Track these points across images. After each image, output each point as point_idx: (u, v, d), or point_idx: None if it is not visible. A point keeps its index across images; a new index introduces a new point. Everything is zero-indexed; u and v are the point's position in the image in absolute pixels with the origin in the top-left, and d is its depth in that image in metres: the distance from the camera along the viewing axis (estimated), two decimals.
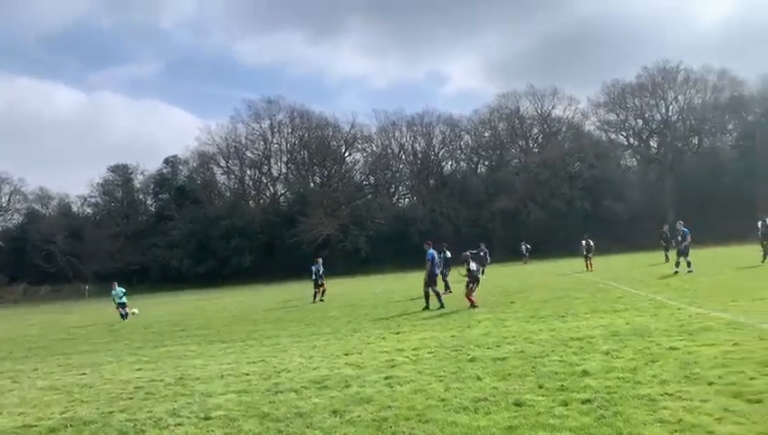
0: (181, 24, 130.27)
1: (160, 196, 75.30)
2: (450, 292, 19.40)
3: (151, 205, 77.59)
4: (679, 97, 66.68)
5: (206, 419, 6.30)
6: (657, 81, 66.36)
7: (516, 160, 70.41)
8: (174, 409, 6.86)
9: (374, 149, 72.75)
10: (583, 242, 28.63)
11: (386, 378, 7.52)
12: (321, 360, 9.39)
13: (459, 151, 72.77)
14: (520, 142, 72.53)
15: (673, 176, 62.27)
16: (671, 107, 67.21)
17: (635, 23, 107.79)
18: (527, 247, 45.12)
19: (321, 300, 23.02)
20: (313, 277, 23.85)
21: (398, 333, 11.72)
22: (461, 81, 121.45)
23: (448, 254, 22.73)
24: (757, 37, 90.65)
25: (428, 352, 9.15)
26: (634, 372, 6.64)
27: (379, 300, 21.10)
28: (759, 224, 23.60)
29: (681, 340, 8.29)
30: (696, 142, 67.71)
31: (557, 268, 32.77)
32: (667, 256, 27.89)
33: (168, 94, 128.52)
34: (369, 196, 71.42)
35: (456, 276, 19.85)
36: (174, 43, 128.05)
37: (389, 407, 6.12)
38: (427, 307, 15.79)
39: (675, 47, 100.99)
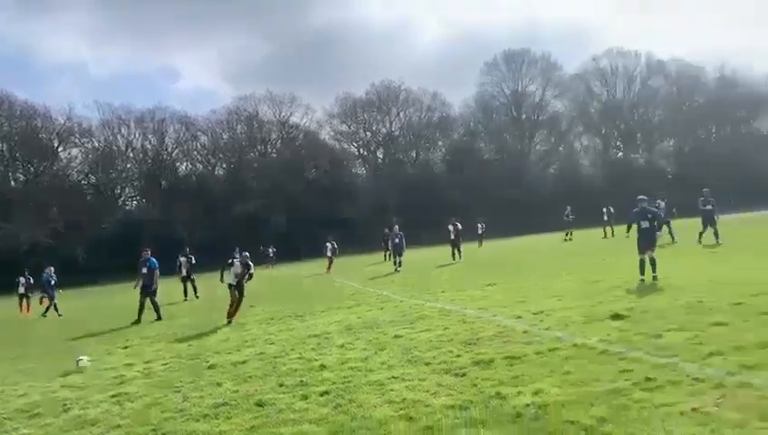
0: None
1: None
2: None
3: None
4: (401, 114, 74.46)
5: None
6: (383, 97, 73.11)
7: (256, 164, 70.54)
8: None
9: (96, 145, 65.57)
10: (328, 244, 30.25)
11: (113, 396, 6.91)
12: (31, 385, 8.17)
13: (195, 152, 69.94)
14: (259, 146, 72.78)
15: (395, 184, 69.04)
16: (394, 122, 74.70)
17: (365, 39, 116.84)
18: (273, 252, 45.47)
19: (44, 315, 20.23)
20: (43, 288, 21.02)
21: (126, 348, 10.83)
22: (196, 78, 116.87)
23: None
24: (461, 65, 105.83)
25: (163, 364, 8.65)
26: (366, 362, 7.23)
27: (104, 314, 19.15)
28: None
29: (404, 328, 9.28)
30: (414, 155, 76.19)
31: (300, 271, 33.76)
32: (386, 256, 31.09)
33: None
34: (90, 197, 64.19)
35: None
36: None
37: (119, 426, 5.65)
38: (137, 320, 14.71)
39: (399, 66, 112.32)
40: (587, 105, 77.62)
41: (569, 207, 34.96)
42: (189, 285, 21.48)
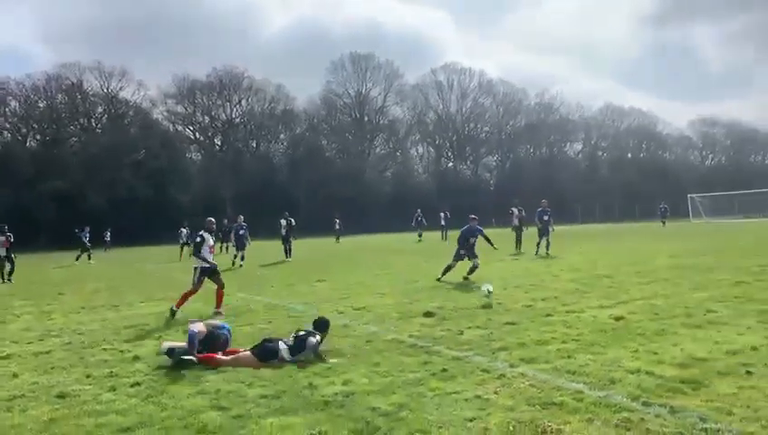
0: None
1: None
2: None
3: None
4: (243, 102, 72.49)
5: None
6: (225, 83, 70.57)
7: (76, 139, 64.21)
8: None
9: None
10: (183, 230, 28.66)
11: None
12: None
13: (3, 118, 61.84)
14: (81, 120, 66.28)
15: (233, 173, 67.08)
16: (235, 110, 72.55)
17: (208, 20, 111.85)
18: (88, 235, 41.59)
19: None
20: None
21: None
22: (5, 35, 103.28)
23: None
24: (304, 59, 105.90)
25: None
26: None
27: None
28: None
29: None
30: (255, 146, 74.65)
31: (120, 257, 31.45)
32: (222, 248, 30.08)
33: None
34: None
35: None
36: None
37: None
38: None
39: (243, 54, 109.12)
40: (424, 115, 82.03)
41: (419, 210, 37.16)
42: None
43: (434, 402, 4.92)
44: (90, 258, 28.72)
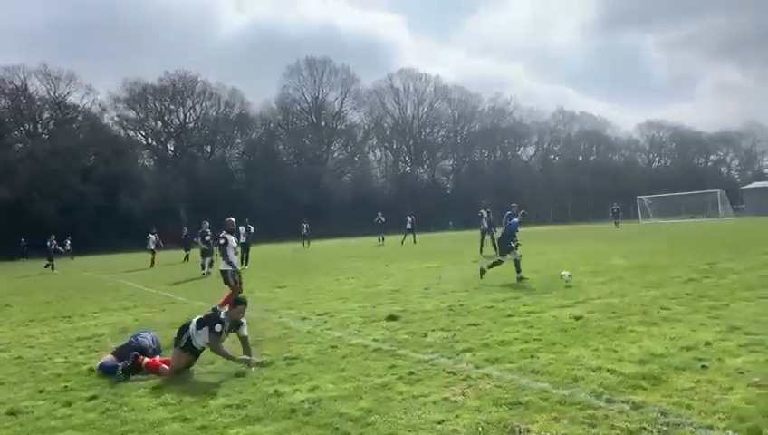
0: None
1: None
2: None
3: None
4: (196, 106, 71.35)
5: None
6: (178, 87, 69.33)
7: (21, 145, 61.83)
8: None
9: None
10: (151, 236, 27.91)
11: None
12: None
13: None
14: (26, 125, 63.94)
15: (187, 178, 65.81)
16: (189, 114, 71.28)
17: (160, 23, 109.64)
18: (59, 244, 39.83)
19: None
20: None
21: None
22: None
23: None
24: (259, 63, 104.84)
25: None
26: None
27: None
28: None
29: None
30: (209, 150, 73.47)
31: (63, 266, 30.38)
32: (187, 257, 29.42)
33: None
34: None
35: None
36: None
37: None
38: None
39: (196, 58, 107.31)
40: (381, 119, 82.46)
41: (379, 213, 37.11)
42: None
43: (402, 406, 4.90)
44: (53, 268, 27.69)
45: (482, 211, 23.29)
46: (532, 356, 6.24)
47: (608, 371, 5.52)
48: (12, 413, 5.29)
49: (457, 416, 4.59)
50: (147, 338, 7.21)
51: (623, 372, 5.44)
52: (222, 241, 10.82)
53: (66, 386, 6.15)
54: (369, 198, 66.76)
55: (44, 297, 15.44)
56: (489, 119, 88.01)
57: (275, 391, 5.53)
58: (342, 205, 67.48)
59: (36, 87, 63.01)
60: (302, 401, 5.17)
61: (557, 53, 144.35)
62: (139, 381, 6.21)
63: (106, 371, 6.52)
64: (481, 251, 22.34)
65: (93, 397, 5.67)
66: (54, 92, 64.20)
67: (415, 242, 34.47)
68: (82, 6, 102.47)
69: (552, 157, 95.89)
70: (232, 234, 11.01)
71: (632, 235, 31.74)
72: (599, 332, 7.24)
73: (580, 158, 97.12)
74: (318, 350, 7.23)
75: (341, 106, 79.06)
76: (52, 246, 28.41)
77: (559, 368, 5.72)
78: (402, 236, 35.81)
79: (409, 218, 36.13)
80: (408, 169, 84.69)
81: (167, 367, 6.45)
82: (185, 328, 6.64)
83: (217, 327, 6.51)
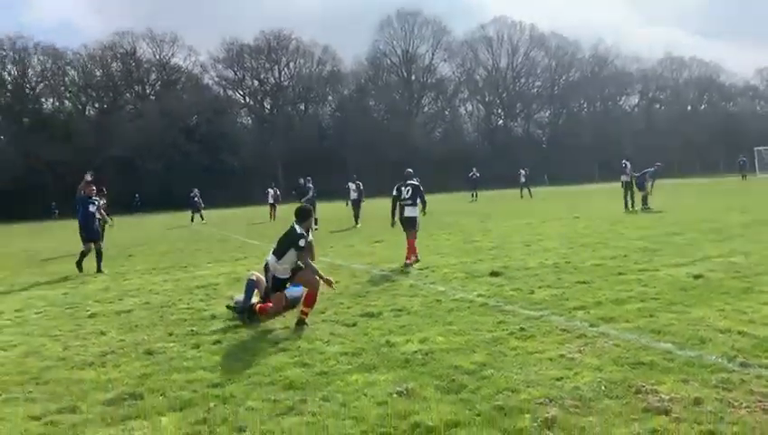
0: None
1: None
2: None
3: None
4: (291, 64, 72.58)
5: None
6: (273, 46, 70.66)
7: (131, 106, 65.93)
8: None
9: None
10: (270, 191, 29.03)
11: None
12: None
13: (63, 88, 63.90)
14: (136, 87, 67.96)
15: (282, 136, 67.71)
16: (283, 72, 72.70)
17: None
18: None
19: None
20: None
21: None
22: (55, 8, 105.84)
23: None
24: (351, 20, 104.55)
25: (36, 313, 8.14)
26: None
27: None
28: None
29: None
30: (303, 108, 74.94)
31: (175, 221, 32.40)
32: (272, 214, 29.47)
33: None
34: None
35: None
36: None
37: None
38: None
39: (287, 15, 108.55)
40: (473, 71, 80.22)
41: (474, 168, 36.42)
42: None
43: (516, 362, 4.85)
44: (202, 218, 29.28)
45: (625, 162, 21.24)
46: (650, 316, 5.96)
47: (738, 333, 5.18)
48: (148, 353, 5.75)
49: (576, 373, 4.48)
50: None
51: (757, 335, 5.07)
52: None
53: (192, 330, 6.59)
54: (461, 153, 65.80)
55: (162, 248, 16.57)
56: (589, 67, 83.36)
57: (387, 341, 5.64)
58: (433, 160, 67.01)
59: (144, 50, 66.67)
60: (415, 352, 5.24)
61: None
62: (257, 327, 6.54)
63: (247, 290, 7.06)
64: (627, 206, 20.30)
65: (217, 341, 6.05)
66: (160, 54, 67.63)
67: (531, 196, 33.58)
68: None
69: (658, 106, 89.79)
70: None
71: (749, 189, 29.34)
72: (723, 292, 6.78)
73: (689, 107, 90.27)
74: (423, 303, 7.30)
75: (432, 59, 77.67)
76: (195, 198, 29.60)
77: (682, 328, 5.43)
78: (518, 191, 35.10)
79: (523, 172, 35.18)
80: (500, 122, 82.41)
81: (273, 305, 6.97)
82: (266, 268, 7.01)
83: (301, 242, 6.76)
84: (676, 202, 22.97)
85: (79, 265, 12.03)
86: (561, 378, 4.40)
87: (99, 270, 11.94)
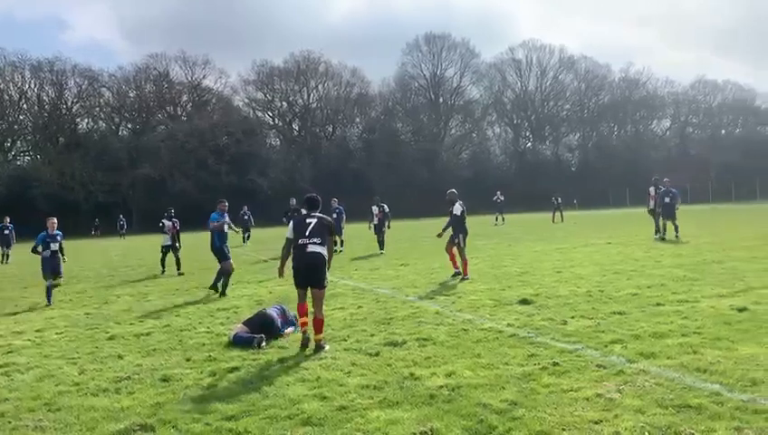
0: None
1: None
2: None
3: None
4: (319, 87, 73.24)
5: None
6: (302, 68, 71.52)
7: (163, 127, 67.18)
8: None
9: None
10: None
11: (0, 367, 6.34)
12: None
13: (98, 109, 65.54)
14: (168, 108, 69.32)
15: (310, 157, 68.13)
16: (312, 94, 73.40)
17: (280, 5, 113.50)
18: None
19: None
20: None
21: (14, 314, 10.01)
22: (88, 31, 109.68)
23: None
24: (374, 42, 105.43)
25: (57, 333, 8.07)
26: (279, 339, 7.06)
27: None
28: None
29: None
30: (331, 130, 75.41)
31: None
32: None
33: None
34: None
35: None
36: None
37: (7, 399, 5.18)
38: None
39: (316, 38, 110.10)
40: (501, 94, 79.92)
41: (498, 192, 35.99)
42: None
43: (550, 401, 4.52)
44: (248, 238, 27.24)
45: (651, 188, 19.51)
46: (694, 352, 5.57)
47: None
48: (164, 380, 5.56)
49: (616, 416, 4.13)
50: (275, 310, 7.51)
51: None
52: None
53: (210, 355, 6.39)
54: (488, 176, 65.34)
55: (187, 268, 16.52)
56: (620, 90, 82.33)
57: (411, 374, 5.36)
58: (460, 182, 66.66)
59: (176, 72, 68.09)
60: (441, 387, 4.94)
61: (696, 13, 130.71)
62: (275, 353, 6.31)
63: (241, 342, 6.74)
64: (658, 231, 18.47)
65: (235, 368, 5.83)
66: (192, 76, 69.03)
67: (563, 220, 33.00)
68: None
69: (691, 130, 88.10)
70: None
71: None
72: None
73: (723, 132, 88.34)
74: (449, 332, 6.99)
75: (460, 81, 77.63)
76: (246, 216, 27.77)
77: (730, 367, 5.04)
78: (551, 215, 34.62)
79: (557, 198, 34.77)
80: (528, 144, 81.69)
81: None
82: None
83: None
84: (712, 228, 22.22)
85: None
86: (600, 421, 4.05)
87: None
